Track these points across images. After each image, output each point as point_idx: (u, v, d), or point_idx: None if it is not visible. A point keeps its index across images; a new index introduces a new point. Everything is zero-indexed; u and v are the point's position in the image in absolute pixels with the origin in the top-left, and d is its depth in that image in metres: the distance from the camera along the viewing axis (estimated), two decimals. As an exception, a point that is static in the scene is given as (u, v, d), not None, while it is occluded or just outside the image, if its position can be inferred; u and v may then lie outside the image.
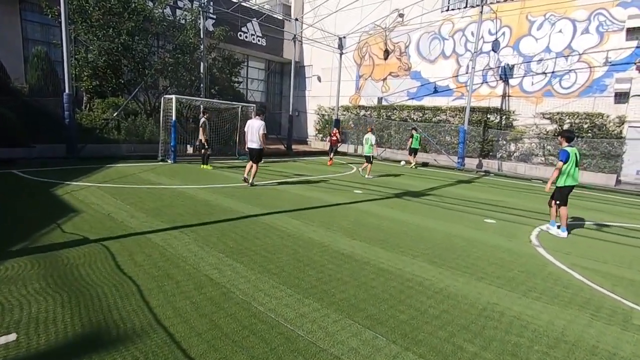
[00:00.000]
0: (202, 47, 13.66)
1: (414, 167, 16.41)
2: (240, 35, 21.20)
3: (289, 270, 3.94)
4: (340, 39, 20.07)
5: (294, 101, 26.65)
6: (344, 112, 22.72)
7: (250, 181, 8.72)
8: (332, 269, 4.04)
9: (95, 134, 12.18)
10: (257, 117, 8.58)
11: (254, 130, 8.52)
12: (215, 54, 15.96)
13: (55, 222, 5.03)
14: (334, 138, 15.41)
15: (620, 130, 14.32)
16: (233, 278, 3.65)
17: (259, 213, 6.21)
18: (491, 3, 17.28)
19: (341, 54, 20.35)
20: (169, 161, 11.82)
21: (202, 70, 13.78)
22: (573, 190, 6.16)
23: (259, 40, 22.65)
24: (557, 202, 6.13)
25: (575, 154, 5.98)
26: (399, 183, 11.01)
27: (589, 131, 14.91)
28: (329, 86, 25.14)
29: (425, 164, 17.73)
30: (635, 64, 14.43)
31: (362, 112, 22.07)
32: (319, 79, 25.56)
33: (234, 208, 6.47)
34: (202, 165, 11.09)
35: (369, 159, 11.59)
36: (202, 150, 11.05)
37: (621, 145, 14.21)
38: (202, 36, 13.66)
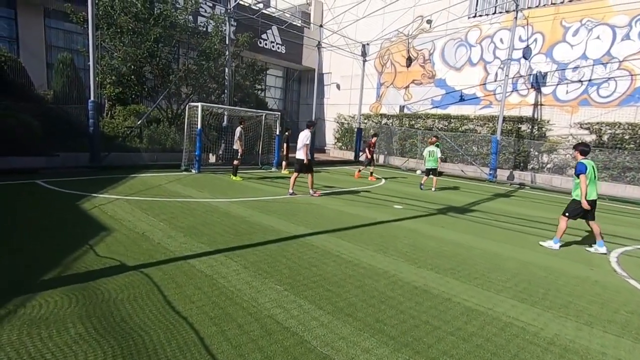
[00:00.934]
0: (227, 53, 13.29)
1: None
2: (260, 43, 20.91)
3: (363, 309, 3.34)
4: (363, 45, 19.64)
5: (311, 109, 26.39)
6: (365, 121, 22.19)
7: (309, 191, 8.92)
8: (412, 308, 3.42)
9: (118, 142, 11.84)
10: (307, 128, 8.72)
11: (299, 140, 8.62)
12: (238, 61, 15.64)
13: (87, 243, 4.53)
14: (372, 149, 13.17)
15: (668, 142, 13.44)
16: (303, 320, 3.06)
17: (304, 233, 5.64)
18: (522, 9, 16.64)
19: (364, 61, 19.90)
20: (193, 171, 11.37)
21: (226, 77, 13.40)
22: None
23: (278, 48, 22.35)
24: (566, 213, 5.86)
25: (593, 167, 5.73)
26: (436, 197, 10.34)
27: (631, 142, 14.06)
28: (348, 94, 24.67)
29: (440, 173, 16.97)
30: (682, 71, 13.60)
31: (384, 121, 21.49)
32: (338, 86, 25.13)
33: (275, 227, 5.90)
34: (232, 177, 10.62)
35: (431, 172, 11.36)
36: (235, 162, 10.59)
37: (668, 157, 13.33)
38: (227, 42, 13.30)
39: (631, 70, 14.65)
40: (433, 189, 11.25)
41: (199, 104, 11.03)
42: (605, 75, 15.22)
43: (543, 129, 16.35)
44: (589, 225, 5.91)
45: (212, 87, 14.19)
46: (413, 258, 4.88)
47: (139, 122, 12.05)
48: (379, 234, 5.97)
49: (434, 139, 11.89)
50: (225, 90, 13.45)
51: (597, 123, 14.91)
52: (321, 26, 18.21)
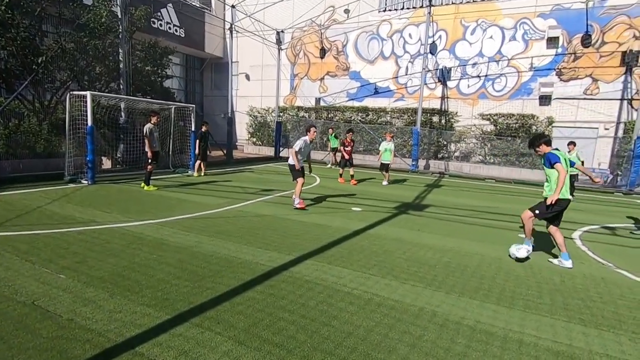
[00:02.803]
0: (120, 28, 10.45)
1: (332, 166, 16.29)
2: (154, 23, 17.68)
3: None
4: (278, 33, 18.27)
5: (217, 102, 23.97)
6: (280, 114, 20.95)
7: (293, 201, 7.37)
8: (498, 367, 2.52)
9: (-45, 147, 8.27)
10: (307, 132, 7.44)
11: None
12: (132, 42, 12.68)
13: None
14: (349, 148, 11.61)
15: (551, 130, 15.68)
16: None
17: (283, 262, 4.28)
18: (427, 6, 17.48)
19: (280, 49, 18.56)
20: (85, 182, 8.62)
21: (121, 60, 10.56)
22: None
23: (176, 31, 19.34)
24: (535, 211, 4.83)
25: (565, 159, 4.72)
26: (383, 193, 9.87)
27: (522, 131, 16.02)
28: (259, 85, 23.05)
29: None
30: (554, 69, 16.00)
31: (302, 114, 20.59)
32: (248, 77, 23.26)
33: (240, 257, 4.39)
34: (143, 186, 8.31)
35: (387, 167, 11.57)
36: (149, 167, 8.26)
37: (550, 143, 15.57)
38: (120, 15, 10.45)
39: (518, 68, 16.66)
40: (385, 182, 11.49)
41: (88, 93, 8.30)
42: (498, 71, 17.03)
43: (452, 120, 17.60)
44: (549, 229, 4.87)
45: (99, 72, 11.11)
46: (429, 279, 4.03)
47: (-9, 118, 8.60)
48: (368, 249, 4.98)
49: (390, 134, 11.79)
50: (121, 78, 10.61)
51: (496, 114, 16.62)
52: (233, 7, 16.16)
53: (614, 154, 15.13)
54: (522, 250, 4.75)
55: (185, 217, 6.17)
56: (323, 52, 20.62)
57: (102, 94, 9.45)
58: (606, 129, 15.35)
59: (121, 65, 10.56)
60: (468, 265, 4.57)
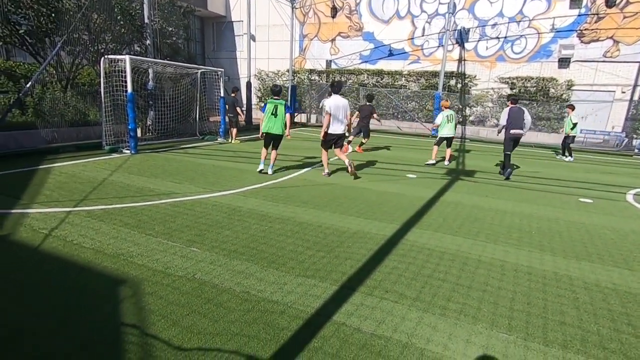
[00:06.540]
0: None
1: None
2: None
3: None
4: (292, -11, 17.28)
5: (221, 64, 22.99)
6: (289, 77, 20.33)
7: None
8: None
9: (-14, 116, 7.84)
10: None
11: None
12: None
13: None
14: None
15: (569, 94, 15.77)
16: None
17: (393, 231, 4.39)
18: (448, -39, 16.69)
19: (293, 8, 17.65)
20: (127, 152, 8.39)
21: (147, 20, 9.87)
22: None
23: (178, -14, 18.03)
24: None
25: (275, 105, 7.16)
26: (411, 158, 9.95)
27: (539, 95, 16.07)
28: (265, 46, 22.13)
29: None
30: (576, 31, 15.80)
31: (314, 77, 20.04)
32: (253, 38, 22.21)
33: (348, 227, 4.45)
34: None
35: (445, 141, 9.09)
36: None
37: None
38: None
39: (538, 29, 16.38)
40: (446, 162, 9.31)
41: (127, 57, 7.86)
42: (518, 32, 16.73)
43: (470, 84, 17.45)
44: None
45: (121, 32, 10.42)
46: (537, 244, 4.22)
47: (27, 86, 8.09)
48: (458, 217, 5.12)
49: (448, 102, 9.29)
50: (148, 39, 9.98)
51: (515, 77, 16.52)
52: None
53: (629, 117, 15.41)
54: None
55: (256, 186, 6.15)
56: (334, 11, 19.75)
57: (140, 57, 8.93)
58: (623, 92, 15.51)
59: (146, 27, 9.89)
60: (559, 230, 4.78)
